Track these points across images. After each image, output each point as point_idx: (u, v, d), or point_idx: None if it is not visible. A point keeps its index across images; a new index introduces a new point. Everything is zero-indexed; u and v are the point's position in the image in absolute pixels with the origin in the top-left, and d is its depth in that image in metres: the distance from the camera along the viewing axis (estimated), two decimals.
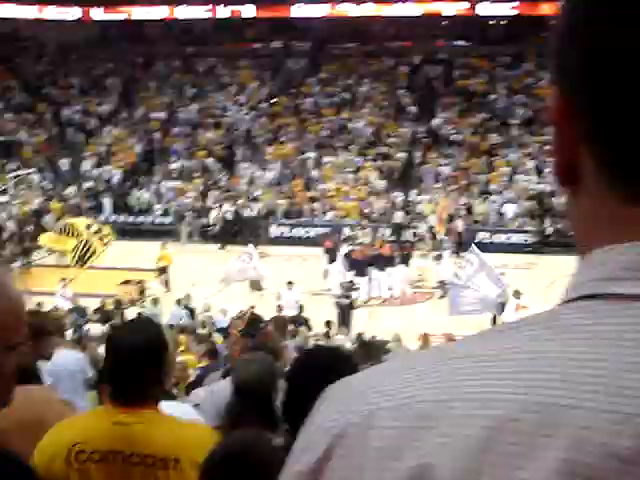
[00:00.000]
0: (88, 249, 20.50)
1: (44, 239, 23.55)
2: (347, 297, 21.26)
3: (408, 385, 0.62)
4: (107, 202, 33.01)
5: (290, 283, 21.54)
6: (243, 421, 3.27)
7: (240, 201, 31.46)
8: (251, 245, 24.26)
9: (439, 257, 24.87)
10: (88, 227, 21.34)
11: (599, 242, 0.65)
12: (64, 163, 35.66)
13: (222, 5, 41.79)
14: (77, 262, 20.63)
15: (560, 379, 0.56)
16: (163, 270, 24.35)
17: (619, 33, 0.61)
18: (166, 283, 24.17)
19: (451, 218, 30.38)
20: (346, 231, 28.42)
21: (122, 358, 2.77)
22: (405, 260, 24.67)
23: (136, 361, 2.73)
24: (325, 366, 2.60)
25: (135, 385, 2.75)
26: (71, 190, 33.19)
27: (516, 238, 29.03)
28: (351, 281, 22.63)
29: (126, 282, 23.19)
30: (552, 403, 0.55)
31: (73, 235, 20.87)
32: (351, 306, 21.15)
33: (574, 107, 0.68)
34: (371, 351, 11.96)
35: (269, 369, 3.72)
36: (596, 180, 0.66)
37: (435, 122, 36.17)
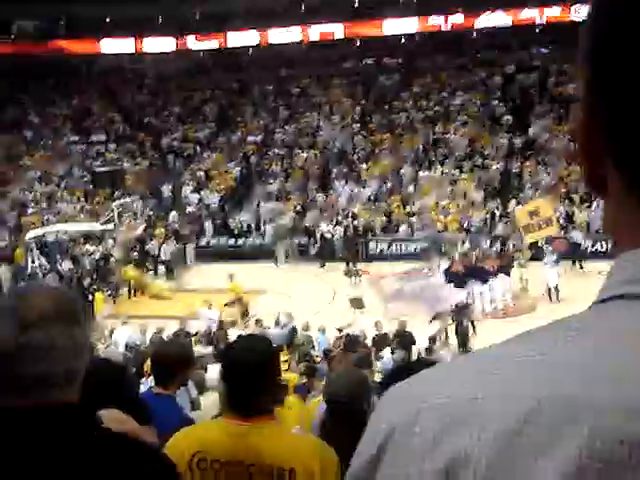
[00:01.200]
0: None
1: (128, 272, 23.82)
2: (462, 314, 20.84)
3: (447, 386, 0.69)
4: (208, 226, 33.67)
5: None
6: (334, 432, 3.33)
7: (338, 219, 31.62)
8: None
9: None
10: None
11: (626, 245, 0.72)
12: (165, 189, 36.66)
13: (312, 26, 42.28)
14: None
15: (580, 375, 0.63)
16: (234, 303, 23.57)
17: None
18: (243, 314, 23.26)
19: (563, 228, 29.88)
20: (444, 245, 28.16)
21: (239, 371, 2.91)
22: (506, 271, 24.28)
23: (252, 374, 2.86)
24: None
25: (252, 397, 2.87)
26: (173, 215, 34.12)
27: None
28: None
29: (231, 303, 23.55)
30: (573, 396, 0.61)
31: None
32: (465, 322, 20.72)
33: (598, 121, 0.71)
34: None
35: (360, 381, 3.77)
36: (617, 187, 0.71)
37: (531, 131, 35.63)
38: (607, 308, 0.70)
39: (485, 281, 23.56)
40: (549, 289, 23.63)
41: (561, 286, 23.42)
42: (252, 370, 2.88)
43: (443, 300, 20.22)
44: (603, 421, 0.59)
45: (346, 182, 34.94)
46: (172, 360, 4.50)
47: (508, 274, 24.27)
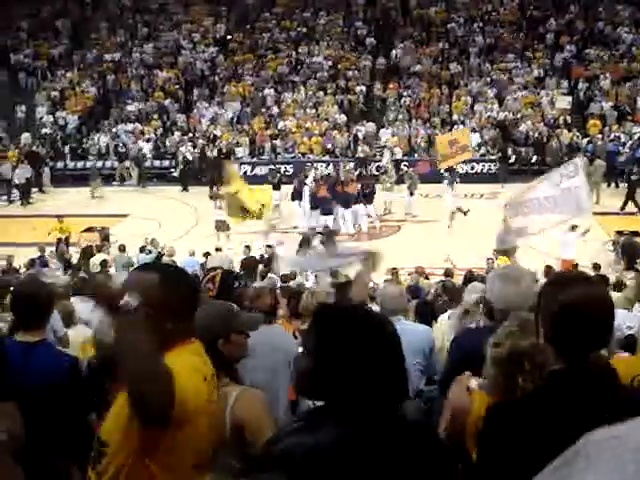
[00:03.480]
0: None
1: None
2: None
3: None
4: (65, 149, 32.45)
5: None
6: None
7: (200, 141, 31.07)
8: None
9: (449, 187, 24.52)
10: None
11: None
12: (18, 110, 34.79)
13: None
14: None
15: None
16: (59, 242, 21.60)
17: None
18: (103, 240, 21.41)
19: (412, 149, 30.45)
20: (309, 168, 28.15)
21: None
22: (370, 196, 24.47)
23: None
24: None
25: None
26: (25, 137, 32.49)
27: (480, 167, 29.03)
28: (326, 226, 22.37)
29: (89, 229, 22.83)
30: None
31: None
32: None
33: None
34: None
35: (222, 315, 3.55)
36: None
37: (394, 53, 35.77)
38: None
39: (348, 205, 23.70)
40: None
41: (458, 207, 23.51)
42: None
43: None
44: None
45: (208, 104, 34.23)
46: (35, 301, 4.06)
47: (371, 198, 24.44)
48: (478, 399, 3.10)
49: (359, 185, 24.47)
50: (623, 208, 24.55)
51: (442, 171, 25.07)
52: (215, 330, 3.30)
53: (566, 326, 2.36)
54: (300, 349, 4.13)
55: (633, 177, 25.19)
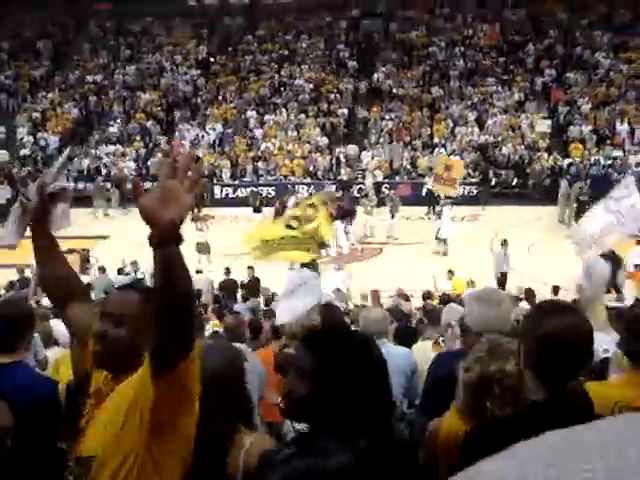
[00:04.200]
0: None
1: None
2: None
3: None
4: (46, 169, 32.27)
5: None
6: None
7: None
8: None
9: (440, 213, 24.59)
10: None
11: None
12: None
13: None
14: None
15: None
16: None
17: None
18: (83, 262, 20.85)
19: (396, 172, 30.57)
20: (291, 189, 28.21)
21: None
22: (349, 216, 24.51)
23: None
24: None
25: None
26: (2, 153, 32.39)
27: (461, 190, 29.07)
28: None
29: (70, 251, 22.67)
30: None
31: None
32: None
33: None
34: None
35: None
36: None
37: (376, 76, 35.97)
38: None
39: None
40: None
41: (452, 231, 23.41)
42: None
43: None
44: None
45: (191, 126, 34.25)
46: (13, 323, 4.04)
47: (351, 219, 24.49)
48: (447, 419, 3.15)
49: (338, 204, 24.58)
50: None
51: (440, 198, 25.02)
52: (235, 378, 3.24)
53: (547, 354, 2.38)
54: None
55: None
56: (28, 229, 3.18)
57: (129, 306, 2.65)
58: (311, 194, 24.28)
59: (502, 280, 19.20)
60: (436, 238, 23.18)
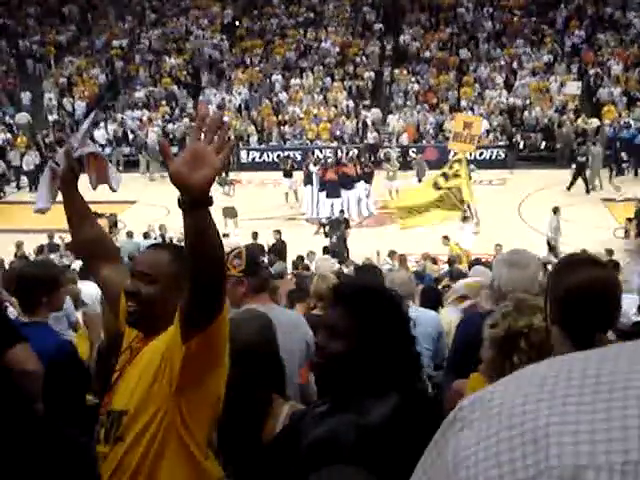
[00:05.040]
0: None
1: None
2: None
3: None
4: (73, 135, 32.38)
5: None
6: None
7: None
8: None
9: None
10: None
11: None
12: (25, 97, 34.79)
13: None
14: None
15: None
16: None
17: None
18: (111, 227, 21.12)
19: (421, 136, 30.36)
20: (318, 154, 28.13)
21: None
22: (368, 178, 24.54)
23: None
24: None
25: None
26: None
27: (488, 154, 28.86)
28: (341, 210, 22.48)
29: (97, 215, 22.78)
30: None
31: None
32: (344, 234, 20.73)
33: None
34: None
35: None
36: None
37: (402, 38, 35.61)
38: None
39: (350, 187, 23.83)
40: None
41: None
42: None
43: None
44: None
45: (217, 90, 34.16)
46: (34, 283, 4.10)
47: (369, 181, 24.50)
48: (472, 380, 3.14)
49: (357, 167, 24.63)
50: None
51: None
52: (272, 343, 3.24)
53: (573, 308, 2.36)
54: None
55: None
56: (59, 194, 3.22)
57: (160, 264, 2.67)
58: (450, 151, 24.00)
59: (554, 247, 18.91)
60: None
